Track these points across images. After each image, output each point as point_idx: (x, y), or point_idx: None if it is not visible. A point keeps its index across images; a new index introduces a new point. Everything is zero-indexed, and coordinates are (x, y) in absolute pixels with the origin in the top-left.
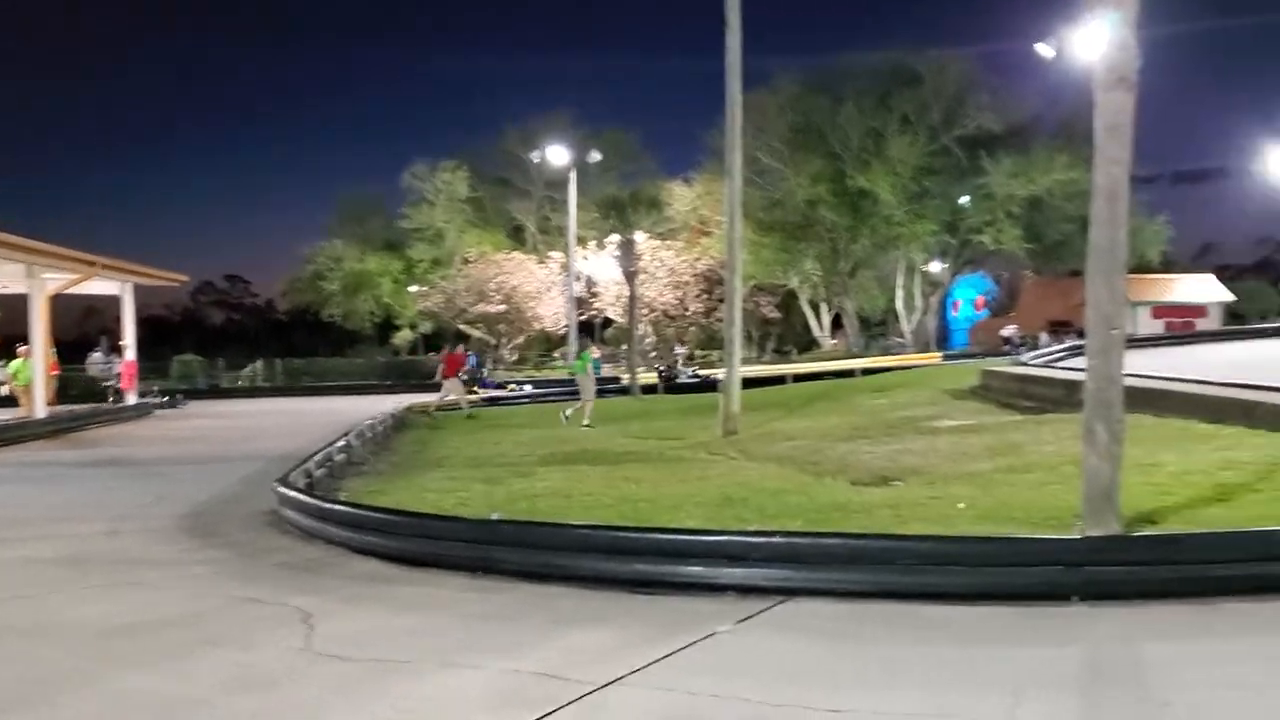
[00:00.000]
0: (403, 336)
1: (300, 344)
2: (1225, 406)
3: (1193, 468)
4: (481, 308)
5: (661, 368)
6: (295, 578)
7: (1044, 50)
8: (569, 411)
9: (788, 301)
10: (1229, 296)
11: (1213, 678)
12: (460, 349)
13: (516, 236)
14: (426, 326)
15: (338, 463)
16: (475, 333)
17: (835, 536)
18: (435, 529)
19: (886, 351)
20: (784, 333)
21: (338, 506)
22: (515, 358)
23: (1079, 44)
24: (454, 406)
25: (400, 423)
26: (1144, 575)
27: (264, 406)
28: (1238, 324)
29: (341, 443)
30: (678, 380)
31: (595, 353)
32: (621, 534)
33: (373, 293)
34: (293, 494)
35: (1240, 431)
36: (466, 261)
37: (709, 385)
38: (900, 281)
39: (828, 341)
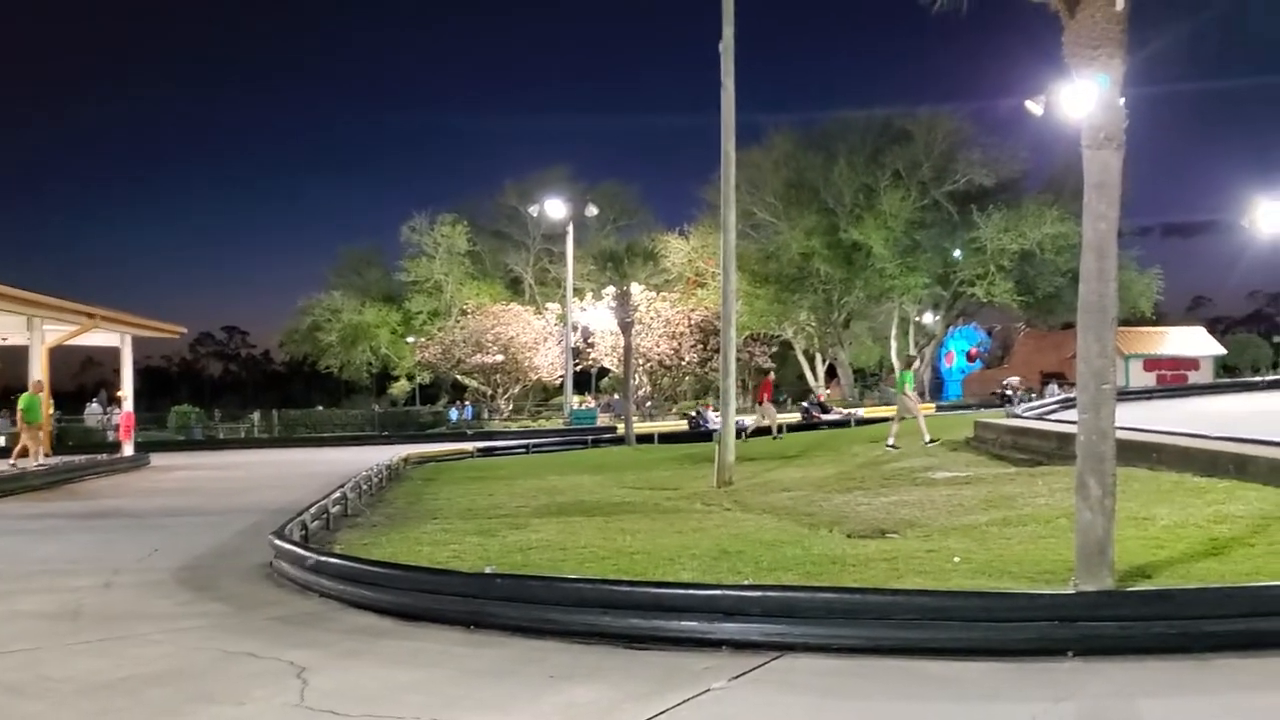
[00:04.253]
0: (399, 387)
1: (297, 394)
2: (1218, 460)
3: (1186, 521)
4: (479, 358)
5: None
6: (290, 632)
7: (1033, 107)
8: (890, 440)
9: (783, 351)
10: (1220, 349)
11: None
12: (772, 375)
13: (514, 288)
14: (424, 377)
15: (333, 515)
16: (472, 383)
17: (832, 591)
18: (429, 582)
19: (883, 402)
20: (779, 382)
21: (332, 560)
22: (511, 407)
23: (1066, 101)
24: (765, 430)
25: (395, 474)
26: (1138, 630)
27: (260, 458)
28: (1230, 377)
29: (337, 495)
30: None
31: (917, 364)
32: (615, 588)
33: (370, 344)
34: (287, 547)
35: (1233, 485)
36: (464, 313)
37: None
38: (894, 333)
39: (822, 391)
